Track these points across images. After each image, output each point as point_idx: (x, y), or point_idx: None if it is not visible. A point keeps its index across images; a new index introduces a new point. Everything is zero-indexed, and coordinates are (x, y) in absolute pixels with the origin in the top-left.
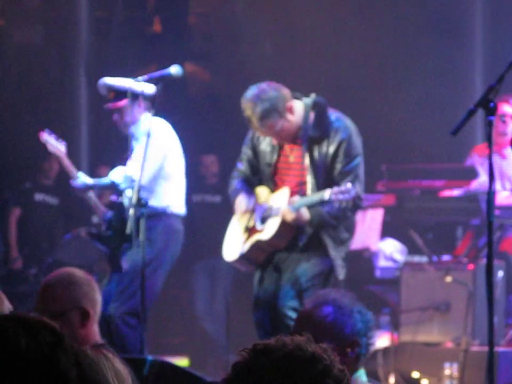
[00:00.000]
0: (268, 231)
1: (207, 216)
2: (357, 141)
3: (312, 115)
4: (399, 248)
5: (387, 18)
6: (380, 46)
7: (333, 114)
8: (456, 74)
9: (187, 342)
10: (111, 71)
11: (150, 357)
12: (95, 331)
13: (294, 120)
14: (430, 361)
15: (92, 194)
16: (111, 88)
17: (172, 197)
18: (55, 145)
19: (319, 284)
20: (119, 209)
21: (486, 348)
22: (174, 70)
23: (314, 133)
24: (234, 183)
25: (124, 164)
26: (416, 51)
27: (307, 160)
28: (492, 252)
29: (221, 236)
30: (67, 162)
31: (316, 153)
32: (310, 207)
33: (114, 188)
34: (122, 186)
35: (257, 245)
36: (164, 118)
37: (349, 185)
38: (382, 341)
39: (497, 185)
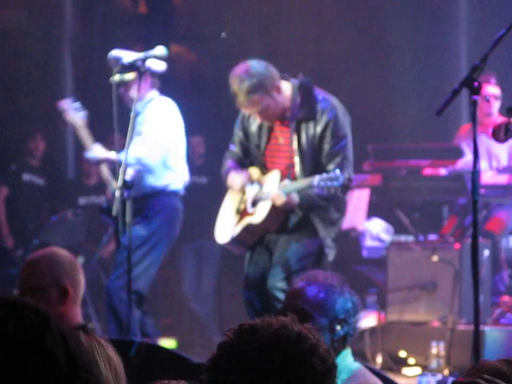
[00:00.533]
0: (258, 214)
1: (194, 197)
2: (344, 121)
3: (299, 96)
4: (386, 227)
5: (371, 0)
6: (366, 27)
7: (320, 94)
8: (441, 54)
9: (175, 323)
10: (96, 52)
11: (137, 339)
12: (75, 312)
13: (280, 101)
14: (417, 340)
15: (104, 168)
16: (118, 61)
17: (171, 175)
18: (74, 114)
19: (309, 265)
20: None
21: (472, 327)
22: (160, 51)
23: (301, 114)
24: (226, 163)
25: (110, 141)
26: (401, 30)
27: (295, 142)
28: (478, 231)
29: (208, 216)
30: (84, 133)
31: (303, 135)
32: (299, 190)
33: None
34: (134, 167)
35: (249, 228)
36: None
37: (337, 171)
38: (369, 320)
39: (484, 164)
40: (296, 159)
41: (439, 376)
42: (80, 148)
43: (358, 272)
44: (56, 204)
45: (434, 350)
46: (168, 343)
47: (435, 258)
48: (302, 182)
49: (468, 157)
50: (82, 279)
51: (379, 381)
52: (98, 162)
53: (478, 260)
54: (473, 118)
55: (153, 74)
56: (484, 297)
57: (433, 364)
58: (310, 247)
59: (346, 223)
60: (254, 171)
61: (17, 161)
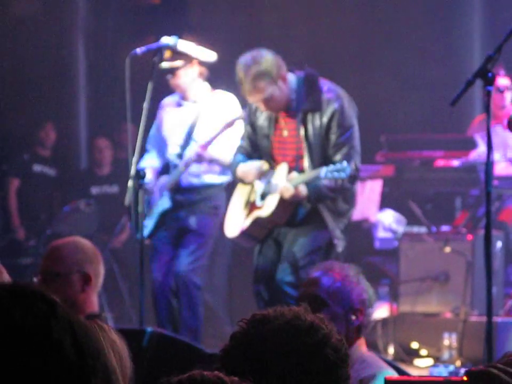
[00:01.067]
0: (267, 208)
1: None
2: (350, 111)
3: (304, 88)
4: (398, 218)
5: None
6: (378, 15)
7: (325, 85)
8: (455, 44)
9: None
10: (110, 42)
11: (149, 329)
12: (94, 300)
13: (285, 91)
14: (429, 331)
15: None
16: (169, 47)
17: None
18: None
19: (318, 258)
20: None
21: (484, 318)
22: (172, 41)
23: (307, 105)
24: (235, 157)
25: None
26: (415, 20)
27: (302, 134)
28: (491, 222)
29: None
30: None
31: (310, 126)
32: (307, 182)
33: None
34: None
35: (257, 222)
36: (164, 90)
37: (344, 163)
38: (381, 311)
39: (498, 156)
40: (305, 151)
41: (451, 367)
42: (92, 137)
43: (370, 263)
44: (68, 194)
45: (446, 341)
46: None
47: (447, 249)
48: (309, 174)
49: (481, 148)
50: (102, 270)
51: (393, 371)
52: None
53: (490, 251)
54: (487, 109)
55: (202, 63)
56: (496, 288)
57: (446, 355)
58: (319, 240)
59: (359, 214)
60: (263, 164)
61: (28, 151)
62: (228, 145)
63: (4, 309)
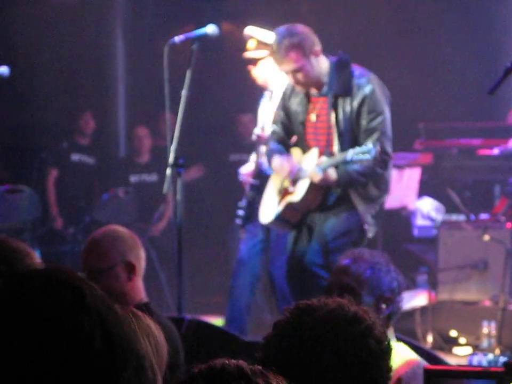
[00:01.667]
0: (298, 193)
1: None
2: (381, 97)
3: (336, 72)
4: (437, 207)
5: None
6: (418, 2)
7: (357, 70)
8: (494, 32)
9: (224, 301)
10: (148, 31)
11: (187, 316)
12: (140, 287)
13: (316, 68)
14: (468, 319)
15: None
16: (253, 37)
17: None
18: None
19: (348, 242)
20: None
21: None
22: (211, 29)
23: (338, 90)
24: (270, 145)
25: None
26: (454, 7)
27: (333, 119)
28: None
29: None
30: None
31: (340, 111)
32: (337, 167)
33: None
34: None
35: (290, 207)
36: (200, 78)
37: (369, 145)
38: (419, 299)
39: None
40: (335, 136)
41: (490, 356)
42: (131, 125)
43: (409, 251)
44: (107, 182)
45: (485, 330)
46: (216, 321)
47: (486, 237)
48: (337, 158)
49: None
50: (143, 253)
51: (419, 358)
52: None
53: None
54: None
55: None
56: None
57: (484, 343)
58: (350, 222)
59: (397, 202)
60: (296, 151)
61: (67, 140)
62: None
63: (34, 300)
